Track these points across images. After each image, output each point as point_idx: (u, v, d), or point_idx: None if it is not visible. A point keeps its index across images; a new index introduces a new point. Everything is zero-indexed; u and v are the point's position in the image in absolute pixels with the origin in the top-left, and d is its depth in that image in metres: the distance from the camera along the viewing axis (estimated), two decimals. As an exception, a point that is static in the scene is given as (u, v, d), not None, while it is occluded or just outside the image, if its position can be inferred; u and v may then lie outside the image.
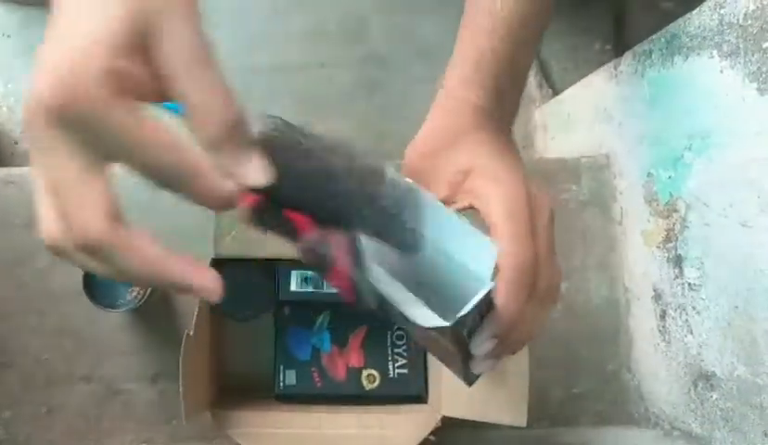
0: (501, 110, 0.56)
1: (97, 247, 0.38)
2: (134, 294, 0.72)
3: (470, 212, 0.50)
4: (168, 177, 0.39)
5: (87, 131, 0.36)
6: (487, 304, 0.45)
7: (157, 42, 0.37)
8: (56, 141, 0.36)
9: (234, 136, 0.39)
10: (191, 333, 0.63)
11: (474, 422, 0.65)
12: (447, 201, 0.51)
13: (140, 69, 0.37)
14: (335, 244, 0.43)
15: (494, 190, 0.49)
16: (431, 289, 0.47)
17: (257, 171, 0.40)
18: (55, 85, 0.35)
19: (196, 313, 0.65)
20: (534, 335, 0.50)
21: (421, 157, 0.54)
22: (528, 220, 0.48)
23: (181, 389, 0.60)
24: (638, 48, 0.78)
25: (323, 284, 0.71)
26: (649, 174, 0.77)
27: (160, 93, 0.39)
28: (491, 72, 0.55)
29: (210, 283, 0.40)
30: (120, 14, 0.36)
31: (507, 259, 0.46)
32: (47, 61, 0.36)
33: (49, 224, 0.40)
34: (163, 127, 0.37)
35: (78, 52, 0.35)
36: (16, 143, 1.01)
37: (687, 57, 0.69)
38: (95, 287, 0.71)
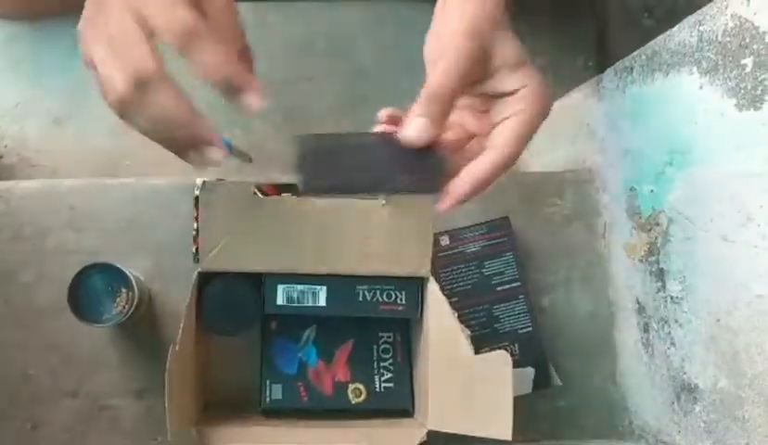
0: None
1: (148, 78, 0.46)
2: (119, 309, 0.72)
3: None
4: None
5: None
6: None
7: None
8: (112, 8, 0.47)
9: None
10: (177, 347, 0.63)
11: (460, 435, 0.65)
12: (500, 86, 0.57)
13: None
14: None
15: (532, 103, 0.56)
16: None
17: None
18: None
19: (181, 327, 0.65)
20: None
21: (470, 36, 0.55)
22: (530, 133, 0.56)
23: (166, 404, 0.60)
24: (620, 65, 0.80)
25: (309, 298, 0.71)
26: (632, 189, 0.78)
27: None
28: None
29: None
30: None
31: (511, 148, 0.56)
32: None
33: (110, 72, 0.47)
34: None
35: None
36: (1, 157, 1.01)
37: (668, 74, 0.70)
38: (79, 303, 0.71)
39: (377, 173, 0.57)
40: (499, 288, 0.81)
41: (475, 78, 0.56)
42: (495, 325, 0.80)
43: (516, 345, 0.80)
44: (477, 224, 0.82)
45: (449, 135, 0.59)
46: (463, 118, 0.61)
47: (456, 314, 0.68)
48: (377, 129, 0.60)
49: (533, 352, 0.80)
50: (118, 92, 0.46)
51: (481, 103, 0.60)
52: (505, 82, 0.56)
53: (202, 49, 0.47)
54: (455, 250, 0.82)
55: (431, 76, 0.55)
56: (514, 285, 0.81)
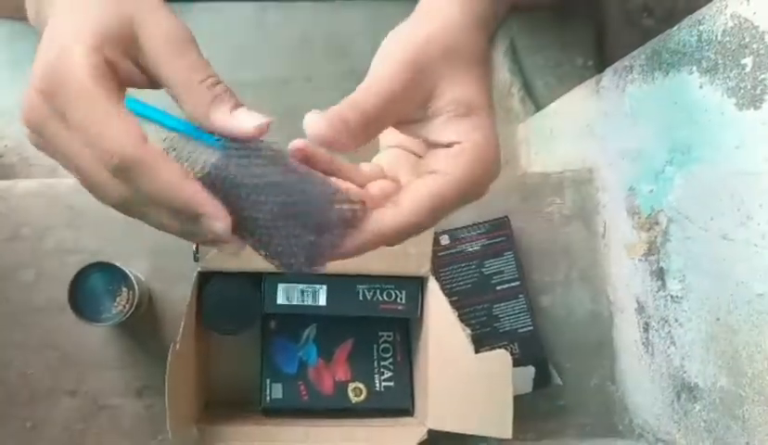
0: (492, 19, 0.51)
1: (129, 164, 0.39)
2: (120, 308, 0.72)
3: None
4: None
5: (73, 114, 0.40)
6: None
7: (135, 35, 0.42)
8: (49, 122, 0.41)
9: (217, 99, 0.43)
10: (177, 346, 0.63)
11: (460, 434, 0.65)
12: (430, 119, 0.46)
13: (126, 63, 0.43)
14: None
15: (462, 167, 0.45)
16: None
17: (247, 121, 0.43)
18: (45, 71, 0.40)
19: (182, 327, 0.65)
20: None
21: (413, 61, 0.45)
22: (453, 205, 0.45)
23: (167, 403, 0.60)
24: (619, 64, 0.80)
25: (310, 297, 0.71)
26: (631, 188, 0.78)
27: (148, 83, 0.44)
28: None
29: (222, 219, 0.41)
30: (100, 12, 0.42)
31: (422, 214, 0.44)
32: (40, 54, 0.41)
33: (85, 164, 0.41)
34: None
35: (64, 45, 0.40)
36: (0, 156, 1.01)
37: (668, 73, 0.70)
38: (80, 301, 0.71)
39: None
40: (499, 288, 0.81)
41: (408, 115, 0.46)
42: (495, 325, 0.80)
43: (515, 344, 0.80)
44: (477, 224, 0.82)
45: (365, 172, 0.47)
46: (392, 159, 0.51)
47: (456, 313, 0.68)
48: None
49: (533, 351, 0.80)
50: (93, 181, 0.41)
51: (419, 147, 0.50)
52: (440, 130, 0.46)
53: (145, 180, 0.39)
54: (455, 250, 0.82)
55: (363, 86, 0.45)
56: (514, 284, 0.81)
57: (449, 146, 0.45)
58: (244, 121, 0.43)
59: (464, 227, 0.82)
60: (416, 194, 0.44)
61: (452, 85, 0.45)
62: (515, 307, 0.81)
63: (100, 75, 0.40)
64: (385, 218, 0.43)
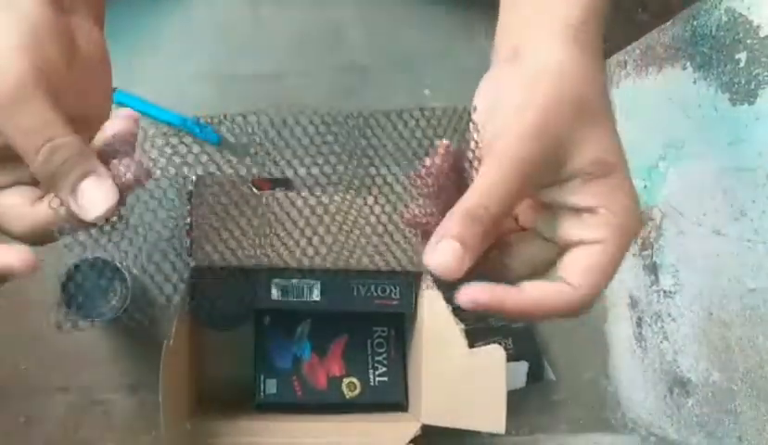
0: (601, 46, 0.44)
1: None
2: (114, 304, 0.72)
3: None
4: None
5: None
6: None
7: None
8: None
9: (58, 175, 0.38)
10: (170, 342, 0.63)
11: (454, 429, 0.65)
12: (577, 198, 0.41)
13: None
14: None
15: (616, 234, 0.40)
16: None
17: (93, 202, 0.39)
18: None
19: (175, 322, 0.65)
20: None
21: (537, 136, 0.39)
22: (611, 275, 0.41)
23: (161, 399, 0.60)
24: (613, 59, 0.80)
25: (304, 292, 0.71)
26: (625, 183, 0.78)
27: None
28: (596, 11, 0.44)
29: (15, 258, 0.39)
30: None
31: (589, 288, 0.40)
32: None
33: None
34: None
35: None
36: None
37: (662, 68, 0.70)
38: (73, 298, 0.71)
39: None
40: None
41: (535, 188, 0.41)
42: (489, 320, 0.80)
43: (510, 339, 0.80)
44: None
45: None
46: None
47: (450, 309, 0.68)
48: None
49: (527, 346, 0.80)
50: None
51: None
52: (579, 195, 0.40)
53: None
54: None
55: (473, 188, 0.39)
56: (507, 278, 0.81)
57: (590, 210, 0.40)
58: (89, 205, 0.39)
59: None
60: (584, 267, 0.40)
61: (587, 144, 0.40)
62: None
63: None
64: (564, 296, 0.40)
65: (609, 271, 0.40)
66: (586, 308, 0.40)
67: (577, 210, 0.41)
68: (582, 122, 0.40)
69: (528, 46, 0.42)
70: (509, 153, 0.39)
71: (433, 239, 0.39)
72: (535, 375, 0.80)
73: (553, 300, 0.40)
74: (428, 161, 0.41)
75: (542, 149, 0.39)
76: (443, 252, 0.38)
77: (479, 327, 0.80)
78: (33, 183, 0.41)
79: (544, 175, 0.40)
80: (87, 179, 0.38)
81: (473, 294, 0.40)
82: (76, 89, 0.41)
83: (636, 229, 0.42)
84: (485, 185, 0.39)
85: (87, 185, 0.38)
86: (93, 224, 0.42)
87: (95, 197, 0.39)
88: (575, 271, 0.40)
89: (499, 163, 0.39)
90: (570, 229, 0.41)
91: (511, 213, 0.41)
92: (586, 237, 0.40)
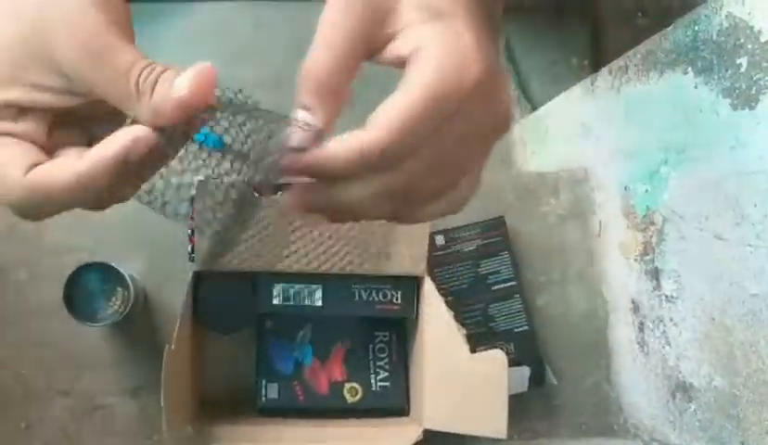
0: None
1: (25, 203, 0.38)
2: (115, 308, 0.72)
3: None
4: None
5: None
6: None
7: (52, 55, 0.37)
8: None
9: (158, 113, 0.38)
10: (172, 347, 0.63)
11: (456, 434, 0.65)
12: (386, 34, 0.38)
13: (53, 80, 0.38)
14: None
15: (434, 51, 0.36)
16: None
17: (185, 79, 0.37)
18: None
19: (177, 327, 0.65)
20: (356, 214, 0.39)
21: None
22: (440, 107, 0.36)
23: (163, 403, 0.60)
24: (615, 64, 0.80)
25: (305, 297, 0.71)
26: (626, 188, 0.78)
27: (78, 101, 0.39)
28: None
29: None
30: (11, 32, 0.37)
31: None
32: None
33: None
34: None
35: None
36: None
37: (663, 73, 0.70)
38: (74, 301, 0.71)
39: None
40: (495, 287, 0.81)
41: (371, 42, 0.38)
42: (491, 324, 0.80)
43: (511, 344, 0.80)
44: (472, 224, 0.82)
45: None
46: None
47: (452, 313, 0.68)
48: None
49: (529, 351, 0.80)
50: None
51: None
52: (402, 42, 0.37)
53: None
54: (451, 250, 0.82)
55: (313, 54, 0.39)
56: (509, 284, 0.81)
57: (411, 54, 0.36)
58: (184, 80, 0.37)
59: (459, 227, 0.82)
60: (381, 113, 0.36)
61: None
62: (511, 307, 0.81)
63: None
64: (351, 139, 0.36)
65: (404, 117, 0.35)
66: (374, 155, 0.36)
67: (402, 61, 0.37)
68: None
69: None
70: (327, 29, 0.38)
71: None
72: (537, 379, 0.80)
73: (347, 146, 0.36)
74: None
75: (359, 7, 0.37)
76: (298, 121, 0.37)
77: (480, 332, 0.80)
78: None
79: (372, 35, 0.38)
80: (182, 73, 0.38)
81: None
82: None
83: (468, 68, 0.35)
84: (328, 52, 0.38)
85: (184, 74, 0.37)
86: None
87: (189, 74, 0.37)
88: (375, 115, 0.36)
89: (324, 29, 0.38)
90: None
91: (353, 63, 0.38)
92: (402, 83, 0.36)
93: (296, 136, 0.38)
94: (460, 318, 0.72)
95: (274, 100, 0.41)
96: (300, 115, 0.38)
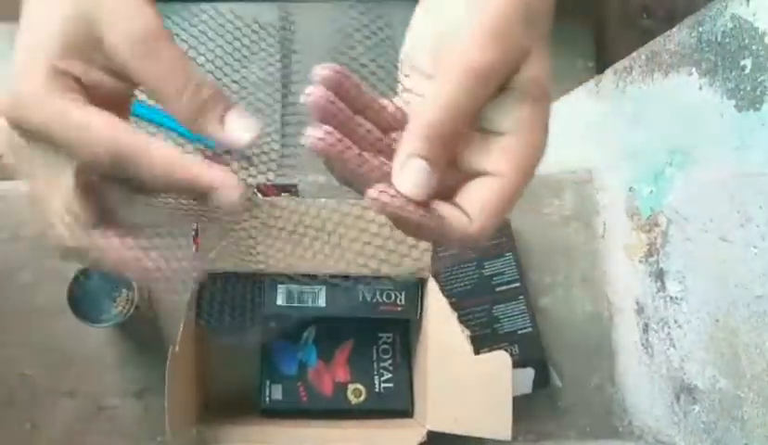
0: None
1: (123, 155, 0.38)
2: (119, 309, 0.72)
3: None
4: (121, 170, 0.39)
5: (42, 135, 0.38)
6: None
7: (100, 39, 0.39)
8: (23, 152, 0.40)
9: (204, 109, 0.40)
10: (176, 348, 0.63)
11: (460, 436, 0.65)
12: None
13: (94, 74, 0.39)
14: None
15: (515, 168, 0.39)
16: None
17: (240, 130, 0.40)
18: (9, 98, 0.38)
19: (181, 328, 0.66)
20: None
21: (496, 37, 0.37)
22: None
23: (166, 405, 0.60)
24: (619, 65, 0.80)
25: (309, 298, 0.71)
26: (631, 189, 0.78)
27: (124, 87, 0.41)
28: None
29: (234, 188, 0.40)
30: (59, 20, 0.38)
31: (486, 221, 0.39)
32: (9, 75, 0.39)
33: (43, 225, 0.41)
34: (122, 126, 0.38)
35: (23, 60, 0.38)
36: (0, 156, 1.01)
37: (667, 74, 0.70)
38: (79, 302, 0.71)
39: None
40: (499, 289, 0.81)
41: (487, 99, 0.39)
42: (495, 326, 0.80)
43: (515, 345, 0.80)
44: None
45: None
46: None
47: (456, 315, 0.68)
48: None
49: (533, 353, 0.80)
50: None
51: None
52: (505, 113, 0.39)
53: (143, 167, 0.38)
54: (455, 251, 0.82)
55: (431, 102, 0.38)
56: (514, 285, 0.81)
57: (503, 133, 0.39)
58: (238, 132, 0.40)
59: None
60: (486, 204, 0.39)
61: (533, 57, 0.38)
62: (515, 308, 0.81)
63: (61, 92, 0.38)
64: (461, 224, 0.39)
65: (504, 207, 0.39)
66: (479, 241, 0.39)
67: (492, 132, 0.39)
68: (530, 32, 0.38)
69: None
70: (467, 61, 0.37)
71: (399, 159, 0.38)
72: (541, 381, 0.80)
73: (452, 226, 0.39)
74: (308, 89, 0.39)
75: (502, 54, 0.37)
76: (413, 170, 0.37)
77: (484, 333, 0.80)
78: None
79: (498, 83, 0.38)
80: (231, 111, 0.40)
81: (382, 195, 0.38)
82: None
83: (535, 165, 0.39)
84: (443, 99, 0.37)
85: (234, 115, 0.40)
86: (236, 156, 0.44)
87: (244, 123, 0.40)
88: (472, 202, 0.39)
89: (456, 74, 0.37)
90: (474, 156, 0.40)
91: (471, 125, 0.39)
92: (488, 168, 0.39)
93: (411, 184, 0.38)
94: (464, 319, 0.72)
95: (279, 100, 0.42)
96: (417, 164, 0.37)
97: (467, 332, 0.68)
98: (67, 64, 0.39)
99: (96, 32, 0.39)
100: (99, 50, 0.39)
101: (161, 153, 0.38)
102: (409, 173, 0.37)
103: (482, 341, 0.78)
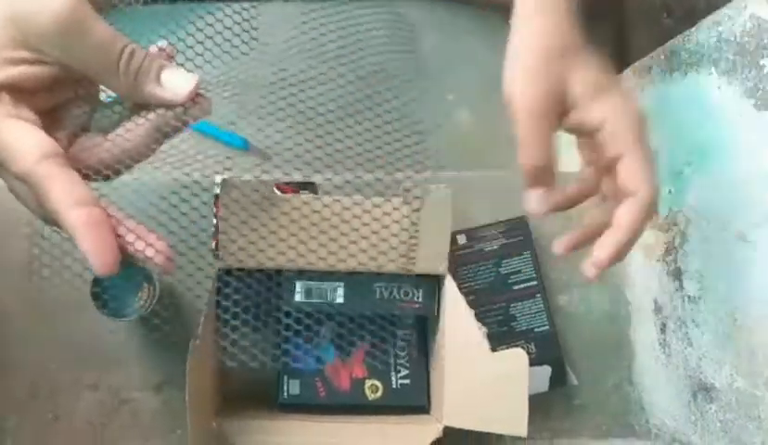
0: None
1: (25, 179, 0.41)
2: (141, 303, 0.73)
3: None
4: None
5: None
6: None
7: (27, 31, 0.40)
8: None
9: (139, 75, 0.43)
10: (197, 342, 0.64)
11: (476, 432, 0.66)
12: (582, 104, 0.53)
13: (25, 64, 0.41)
14: None
15: (626, 119, 0.53)
16: None
17: (181, 83, 0.44)
18: None
19: (201, 323, 0.66)
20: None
21: (548, 61, 0.53)
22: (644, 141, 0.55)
23: (187, 398, 0.61)
24: (638, 64, 0.80)
25: (327, 295, 0.72)
26: (649, 188, 0.78)
27: (55, 79, 0.43)
28: None
29: (98, 257, 0.43)
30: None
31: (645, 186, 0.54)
32: None
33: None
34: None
35: None
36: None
37: (686, 74, 0.70)
38: (102, 297, 0.72)
39: None
40: (516, 287, 0.81)
41: (555, 119, 0.53)
42: (512, 324, 0.80)
43: (532, 344, 0.80)
44: (494, 223, 0.82)
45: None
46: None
47: (473, 312, 0.69)
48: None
49: (550, 351, 0.80)
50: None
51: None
52: (584, 112, 0.53)
53: (41, 195, 0.42)
54: (473, 249, 0.82)
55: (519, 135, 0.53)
56: (531, 284, 0.81)
57: (598, 127, 0.52)
58: (177, 88, 0.43)
59: (481, 226, 0.82)
60: (635, 174, 0.54)
61: (576, 72, 0.52)
62: (532, 306, 0.81)
63: None
64: (637, 203, 0.54)
65: (648, 165, 0.54)
66: (656, 203, 0.54)
67: (590, 133, 0.53)
68: (570, 53, 0.53)
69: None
70: (517, 94, 0.52)
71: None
72: (558, 380, 0.80)
73: (633, 213, 0.53)
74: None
75: (542, 89, 0.51)
76: (534, 200, 0.56)
77: (501, 331, 0.80)
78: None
79: (557, 107, 0.52)
80: (165, 69, 0.43)
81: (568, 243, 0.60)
82: None
83: (641, 118, 0.54)
84: (520, 131, 0.53)
85: (168, 73, 0.43)
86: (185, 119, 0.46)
87: (179, 79, 0.44)
88: (627, 181, 0.53)
89: (515, 108, 0.52)
90: (593, 161, 0.57)
91: (548, 143, 0.53)
92: (611, 154, 0.53)
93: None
94: (481, 317, 0.72)
95: (290, 100, 0.43)
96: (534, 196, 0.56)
97: (484, 329, 0.68)
98: (23, 62, 0.41)
99: (16, 28, 0.40)
100: (23, 47, 0.41)
101: (57, 190, 0.41)
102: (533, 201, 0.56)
103: (499, 339, 0.79)
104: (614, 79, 0.54)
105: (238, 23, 0.64)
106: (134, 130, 0.46)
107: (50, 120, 0.44)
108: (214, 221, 0.70)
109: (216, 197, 0.70)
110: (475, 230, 0.82)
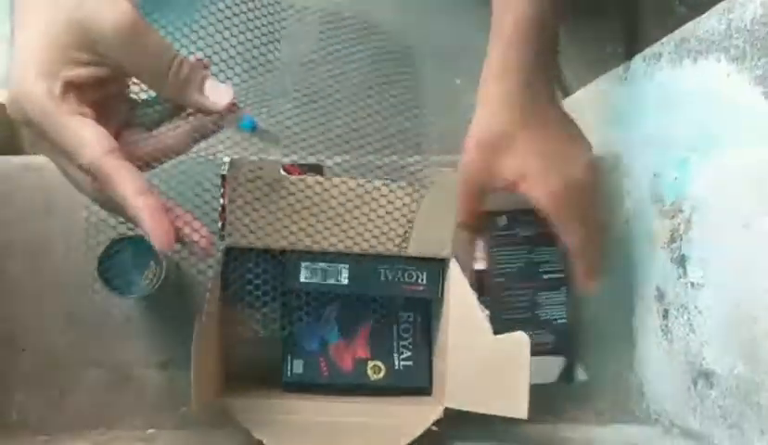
0: (542, 77, 0.68)
1: (93, 170, 0.46)
2: (148, 281, 0.73)
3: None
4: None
5: (36, 129, 0.47)
6: None
7: (89, 37, 0.45)
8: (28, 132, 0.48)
9: (186, 84, 0.49)
10: (203, 319, 0.65)
11: (477, 414, 0.66)
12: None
13: (91, 69, 0.47)
14: None
15: (546, 200, 0.67)
16: None
17: (221, 95, 0.50)
18: (9, 93, 0.45)
19: (206, 301, 0.67)
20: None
21: (478, 152, 0.67)
22: (575, 211, 0.69)
23: (192, 376, 0.62)
24: (648, 51, 0.79)
25: (332, 276, 0.72)
26: (656, 175, 0.78)
27: (112, 78, 0.49)
28: (524, 53, 0.67)
29: (160, 236, 0.48)
30: (46, 20, 0.45)
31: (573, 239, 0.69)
32: (8, 73, 0.46)
33: (63, 164, 0.50)
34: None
35: (18, 61, 0.45)
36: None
37: (696, 61, 0.70)
38: (109, 274, 0.73)
39: None
40: (546, 276, 0.80)
41: (483, 195, 0.70)
42: (536, 312, 0.79)
43: (550, 334, 0.79)
44: (533, 209, 0.80)
45: None
46: None
47: (476, 295, 0.69)
48: None
49: (564, 345, 0.79)
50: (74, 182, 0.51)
51: None
52: (517, 192, 0.69)
53: (107, 186, 0.48)
54: (510, 232, 0.80)
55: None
56: (557, 275, 0.80)
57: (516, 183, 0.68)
58: (218, 99, 0.50)
59: (523, 210, 0.80)
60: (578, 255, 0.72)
61: (505, 162, 0.67)
62: (555, 298, 0.80)
63: (56, 96, 0.45)
64: None
65: (570, 226, 0.70)
66: (587, 246, 0.71)
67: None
68: (502, 147, 0.67)
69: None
70: (464, 158, 0.69)
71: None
72: (567, 374, 0.80)
73: (577, 257, 0.71)
74: None
75: (476, 174, 0.68)
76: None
77: (525, 317, 0.79)
78: None
79: (486, 188, 0.69)
80: (208, 80, 0.50)
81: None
82: None
83: (564, 192, 0.69)
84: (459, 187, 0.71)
85: (211, 85, 0.50)
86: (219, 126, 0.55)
87: (220, 90, 0.50)
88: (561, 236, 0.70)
89: (460, 170, 0.70)
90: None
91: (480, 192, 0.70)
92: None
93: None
94: (508, 300, 0.73)
95: (303, 83, 0.45)
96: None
97: (487, 312, 0.68)
98: (57, 67, 0.45)
99: (81, 32, 0.45)
100: (85, 49, 0.46)
101: (123, 181, 0.46)
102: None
103: (522, 325, 0.78)
104: (541, 158, 0.67)
105: (251, 10, 0.65)
106: (175, 129, 0.53)
107: (98, 115, 0.49)
108: (221, 200, 0.71)
109: (223, 177, 0.70)
110: (516, 213, 0.80)
